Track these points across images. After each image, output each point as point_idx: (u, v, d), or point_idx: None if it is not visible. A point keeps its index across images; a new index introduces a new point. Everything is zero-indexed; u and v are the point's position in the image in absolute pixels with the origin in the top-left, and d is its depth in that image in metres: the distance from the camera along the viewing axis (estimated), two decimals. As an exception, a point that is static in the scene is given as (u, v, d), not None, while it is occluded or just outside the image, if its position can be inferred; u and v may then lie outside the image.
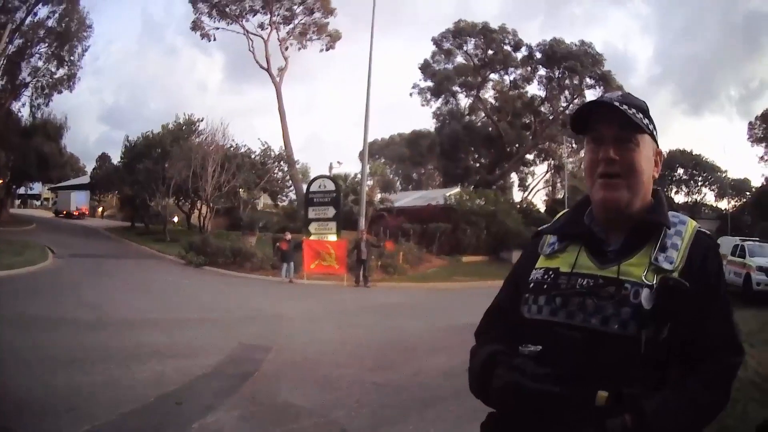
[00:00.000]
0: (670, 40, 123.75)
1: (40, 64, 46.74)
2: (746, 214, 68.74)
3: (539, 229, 2.37)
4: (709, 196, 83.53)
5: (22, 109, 50.36)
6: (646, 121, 2.09)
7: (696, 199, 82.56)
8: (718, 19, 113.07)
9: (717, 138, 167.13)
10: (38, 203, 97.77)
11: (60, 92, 48.82)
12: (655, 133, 2.16)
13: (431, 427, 7.11)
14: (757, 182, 75.68)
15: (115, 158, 57.59)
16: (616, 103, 2.04)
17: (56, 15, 45.12)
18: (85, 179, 73.76)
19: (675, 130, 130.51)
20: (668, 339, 1.86)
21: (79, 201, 71.56)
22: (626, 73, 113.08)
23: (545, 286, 2.08)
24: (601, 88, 56.11)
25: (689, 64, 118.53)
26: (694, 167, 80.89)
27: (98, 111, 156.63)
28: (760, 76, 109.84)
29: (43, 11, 44.48)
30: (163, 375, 9.03)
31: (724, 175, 77.02)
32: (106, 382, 8.37)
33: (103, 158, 68.59)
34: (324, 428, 7.15)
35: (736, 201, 79.16)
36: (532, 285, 2.13)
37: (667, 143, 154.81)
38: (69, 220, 63.52)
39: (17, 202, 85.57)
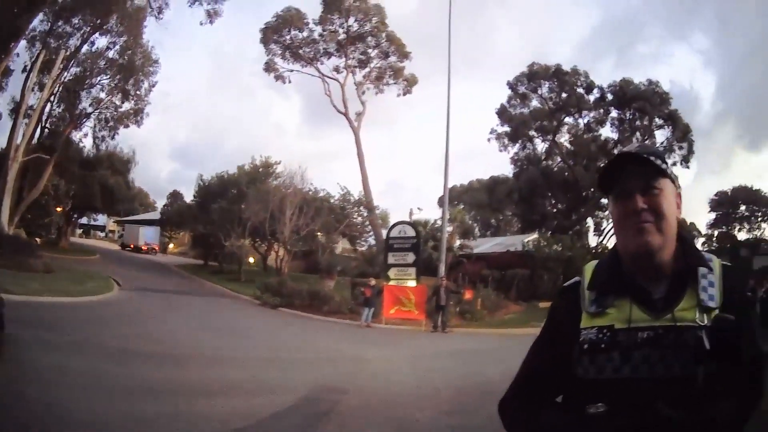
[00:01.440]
0: (730, 72, 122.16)
1: (102, 95, 47.38)
2: None
3: (567, 284, 2.36)
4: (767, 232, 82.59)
5: (84, 139, 51.16)
6: (664, 166, 2.15)
7: (756, 235, 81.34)
8: None
9: None
10: (103, 235, 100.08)
11: (127, 126, 49.47)
12: (674, 176, 2.20)
13: None
14: None
15: (187, 196, 58.56)
16: (643, 155, 2.13)
17: (117, 47, 45.80)
18: (155, 215, 75.29)
19: (736, 167, 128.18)
20: (721, 372, 1.89)
21: (148, 236, 73.07)
22: (692, 110, 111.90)
23: (603, 345, 2.05)
24: (670, 128, 55.61)
25: (749, 97, 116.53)
26: (755, 203, 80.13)
27: (169, 148, 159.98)
28: None
29: (101, 41, 45.26)
30: (233, 411, 9.05)
31: None
32: (171, 414, 8.40)
33: (175, 195, 69.74)
34: None
35: None
36: (586, 346, 2.08)
37: (729, 180, 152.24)
38: (135, 254, 64.74)
39: (79, 231, 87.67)
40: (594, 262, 2.36)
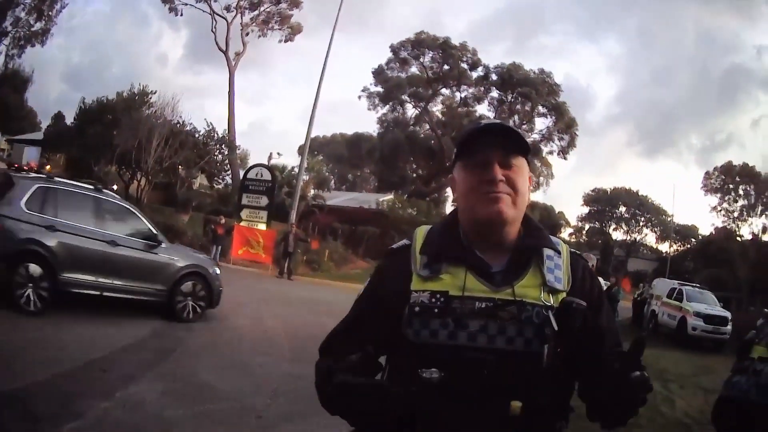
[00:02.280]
0: (636, 83, 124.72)
1: (23, 15, 46.13)
2: (689, 259, 69.73)
3: (395, 246, 2.36)
4: (650, 237, 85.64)
5: None
6: (525, 145, 2.19)
7: (636, 238, 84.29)
8: (694, 69, 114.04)
9: (667, 182, 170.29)
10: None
11: (33, 45, 48.11)
12: (530, 158, 2.25)
13: (343, 425, 7.20)
14: (705, 230, 76.21)
15: (70, 119, 56.86)
16: (511, 129, 2.17)
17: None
18: (38, 135, 72.76)
19: (624, 169, 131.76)
20: (565, 351, 1.97)
21: (30, 156, 70.52)
22: (583, 107, 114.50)
23: (436, 311, 2.02)
24: (553, 117, 56.88)
25: (653, 109, 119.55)
26: (638, 207, 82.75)
27: (63, 70, 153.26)
28: (730, 131, 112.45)
29: None
30: (92, 340, 9.20)
31: (669, 218, 77.51)
32: (42, 341, 8.53)
33: (58, 117, 67.23)
34: (240, 412, 7.32)
35: (680, 246, 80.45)
36: (417, 309, 2.04)
37: (611, 180, 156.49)
38: (16, 174, 62.34)
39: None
40: (426, 227, 2.35)
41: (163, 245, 13.00)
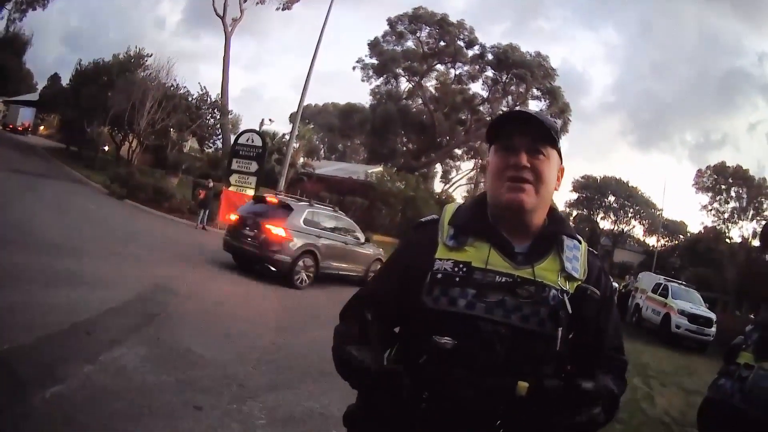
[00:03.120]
0: (634, 74, 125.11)
1: None
2: (676, 256, 69.72)
3: (425, 219, 2.43)
4: (637, 230, 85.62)
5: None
6: (556, 138, 2.24)
7: (623, 229, 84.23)
8: (694, 66, 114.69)
9: (658, 175, 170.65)
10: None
11: (34, 9, 47.97)
12: (560, 151, 2.30)
13: (324, 396, 7.22)
14: (694, 228, 76.81)
15: (67, 80, 56.61)
16: (543, 121, 2.20)
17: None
18: (34, 96, 72.51)
19: (616, 158, 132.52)
20: (573, 339, 2.08)
21: (25, 116, 70.42)
22: (579, 93, 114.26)
23: (458, 279, 2.11)
24: (547, 101, 56.96)
25: (649, 101, 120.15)
26: (627, 198, 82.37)
27: (62, 32, 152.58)
28: (725, 131, 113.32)
29: None
30: (77, 303, 9.14)
31: (658, 213, 78.04)
32: (25, 303, 8.48)
33: (54, 78, 66.96)
34: (222, 381, 7.30)
35: (667, 241, 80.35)
36: (440, 276, 2.13)
37: (603, 168, 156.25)
38: (13, 135, 62.15)
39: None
40: (455, 204, 2.42)
41: (367, 242, 20.36)
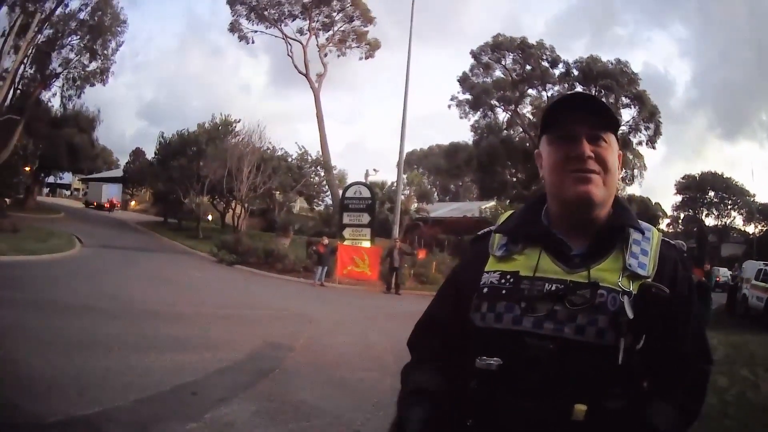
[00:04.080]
0: (707, 65, 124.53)
1: (71, 55, 47.14)
2: None
3: (482, 231, 2.18)
4: (737, 221, 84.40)
5: (52, 99, 51.10)
6: (616, 120, 2.02)
7: (725, 223, 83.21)
8: (754, 47, 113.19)
9: (746, 163, 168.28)
10: (68, 193, 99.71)
11: (93, 85, 49.35)
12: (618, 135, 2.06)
13: None
14: None
15: (150, 154, 58.21)
16: (600, 101, 1.99)
17: (88, 8, 45.60)
18: (117, 172, 75.29)
19: (708, 154, 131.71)
20: (644, 348, 1.75)
21: (110, 193, 72.74)
22: (665, 95, 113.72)
23: (504, 292, 1.88)
24: (636, 107, 56.00)
25: (725, 89, 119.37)
26: (725, 190, 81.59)
27: (136, 107, 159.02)
28: None
29: (74, 3, 45.00)
30: (182, 365, 9.11)
31: (752, 199, 77.77)
32: (122, 369, 8.44)
33: (137, 153, 69.41)
34: (337, 428, 7.13)
35: (763, 225, 79.91)
36: (486, 290, 1.91)
37: (699, 166, 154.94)
38: (99, 212, 64.57)
39: (46, 190, 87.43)
40: (511, 210, 2.22)
41: None
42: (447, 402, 1.87)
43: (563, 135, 1.94)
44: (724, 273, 47.72)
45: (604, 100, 1.98)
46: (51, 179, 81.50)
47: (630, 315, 1.72)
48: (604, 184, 1.91)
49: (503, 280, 1.89)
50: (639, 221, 1.99)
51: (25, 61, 43.57)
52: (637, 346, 1.73)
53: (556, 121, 1.96)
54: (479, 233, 2.18)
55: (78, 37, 46.39)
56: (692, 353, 1.92)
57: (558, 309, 1.78)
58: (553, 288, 1.81)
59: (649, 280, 1.82)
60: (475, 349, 1.83)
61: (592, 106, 1.94)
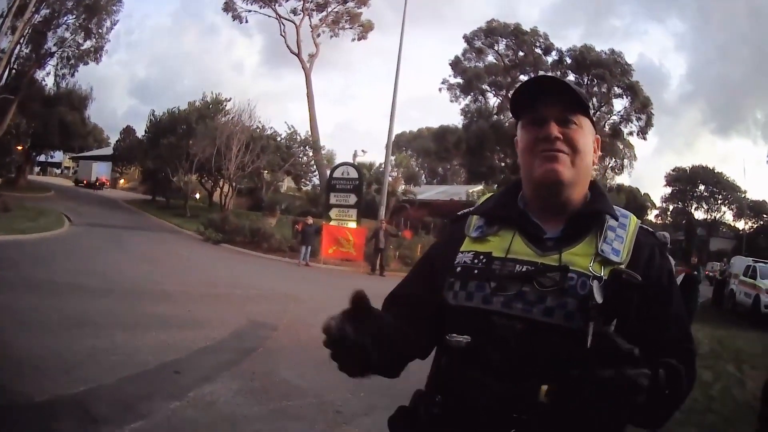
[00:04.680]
0: (703, 60, 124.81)
1: (67, 35, 47.13)
2: (762, 236, 69.21)
3: (461, 212, 2.19)
4: (727, 216, 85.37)
5: (46, 78, 51.13)
6: (585, 102, 1.99)
7: (715, 217, 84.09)
8: (753, 44, 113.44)
9: (739, 159, 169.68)
10: (59, 171, 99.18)
11: (86, 63, 49.14)
12: (594, 118, 2.07)
13: None
14: None
15: (141, 132, 57.97)
16: (565, 83, 1.98)
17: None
18: (107, 150, 74.68)
19: (700, 148, 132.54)
20: (620, 333, 1.65)
21: (100, 171, 72.15)
22: (660, 88, 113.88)
23: (476, 271, 1.90)
24: (629, 98, 56.27)
25: (721, 85, 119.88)
26: (715, 185, 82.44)
27: (129, 85, 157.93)
28: None
29: None
30: (166, 344, 9.17)
31: (743, 195, 77.86)
32: (108, 347, 8.49)
33: (127, 131, 68.72)
34: (318, 408, 7.18)
35: (753, 222, 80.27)
36: (459, 269, 1.94)
37: (691, 159, 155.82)
38: (89, 190, 64.27)
39: (37, 169, 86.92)
40: (491, 193, 2.28)
41: None
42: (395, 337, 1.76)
43: (533, 118, 1.97)
44: (714, 267, 48.46)
45: (575, 83, 1.97)
46: (42, 158, 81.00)
47: (599, 300, 1.71)
48: (573, 165, 1.92)
49: (476, 260, 1.93)
50: (617, 208, 2.01)
51: (21, 41, 43.43)
52: (607, 330, 1.67)
53: (527, 105, 1.99)
54: (458, 213, 2.20)
55: (74, 16, 46.26)
56: (675, 337, 1.91)
57: (527, 290, 1.80)
58: (524, 269, 1.84)
59: (622, 266, 1.82)
60: (446, 326, 1.87)
61: (561, 89, 1.96)
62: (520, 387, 1.71)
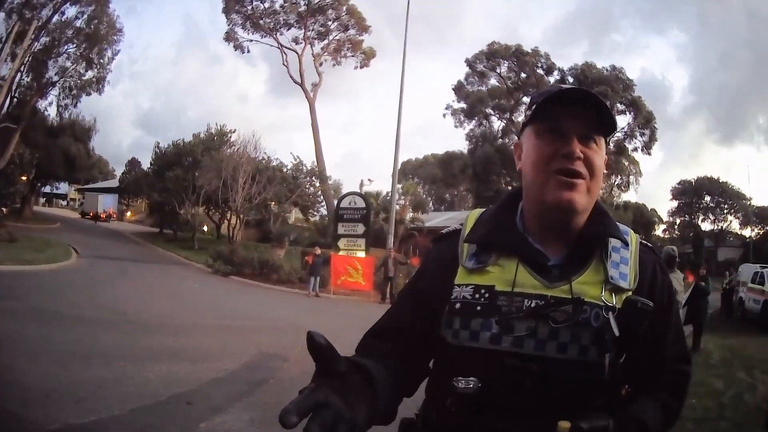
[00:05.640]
0: (704, 69, 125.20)
1: (68, 64, 47.17)
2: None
3: (446, 231, 2.05)
4: (734, 224, 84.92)
5: (48, 108, 51.31)
6: (613, 123, 1.82)
7: (722, 227, 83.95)
8: (753, 50, 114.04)
9: (743, 166, 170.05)
10: (64, 203, 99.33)
11: (89, 94, 49.13)
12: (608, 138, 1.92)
13: None
14: None
15: (146, 164, 58.08)
16: (600, 100, 1.78)
17: (85, 16, 45.61)
18: (113, 183, 74.70)
19: (705, 159, 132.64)
20: (626, 360, 1.68)
21: (106, 204, 72.36)
22: (663, 101, 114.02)
23: (479, 308, 1.74)
24: (632, 114, 56.30)
25: (723, 93, 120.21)
26: (721, 194, 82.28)
27: (133, 116, 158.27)
28: None
29: (71, 11, 45.02)
30: (177, 376, 9.16)
31: (748, 202, 78.06)
32: (118, 379, 8.50)
33: (133, 163, 68.70)
34: None
35: (759, 229, 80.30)
36: (458, 306, 1.77)
37: (696, 171, 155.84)
38: (95, 223, 64.35)
39: (42, 200, 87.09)
40: (479, 210, 2.05)
41: None
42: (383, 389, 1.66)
43: (552, 128, 1.78)
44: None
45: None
46: (47, 189, 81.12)
47: (616, 332, 1.64)
48: (588, 191, 1.78)
49: (477, 295, 1.76)
50: (617, 225, 1.89)
51: (21, 68, 43.54)
52: (620, 359, 1.67)
53: (548, 113, 1.79)
54: (443, 232, 2.05)
55: (74, 45, 46.37)
56: (672, 356, 1.90)
57: (539, 326, 1.68)
58: (533, 304, 1.70)
59: (630, 293, 1.75)
60: (448, 366, 1.75)
61: (591, 104, 1.77)
62: (537, 426, 1.62)
